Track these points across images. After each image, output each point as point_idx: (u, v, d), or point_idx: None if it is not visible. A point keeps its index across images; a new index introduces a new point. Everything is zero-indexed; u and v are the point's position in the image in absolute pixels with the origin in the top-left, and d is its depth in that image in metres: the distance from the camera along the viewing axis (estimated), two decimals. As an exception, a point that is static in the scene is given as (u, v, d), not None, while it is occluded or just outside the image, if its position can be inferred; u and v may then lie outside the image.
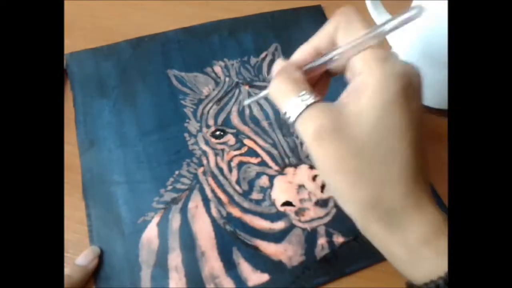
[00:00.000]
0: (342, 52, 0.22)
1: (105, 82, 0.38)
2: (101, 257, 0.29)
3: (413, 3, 0.35)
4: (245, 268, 0.29)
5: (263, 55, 0.41)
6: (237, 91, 0.38)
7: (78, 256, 0.29)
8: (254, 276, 0.29)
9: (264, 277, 0.29)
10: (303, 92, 0.21)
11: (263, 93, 0.26)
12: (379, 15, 0.41)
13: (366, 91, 0.20)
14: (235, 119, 0.36)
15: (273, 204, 0.32)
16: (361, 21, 0.22)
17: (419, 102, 0.21)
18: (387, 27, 0.21)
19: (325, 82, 0.26)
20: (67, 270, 0.28)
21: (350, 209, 0.21)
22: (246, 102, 0.32)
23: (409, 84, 0.20)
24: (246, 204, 0.32)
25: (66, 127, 0.35)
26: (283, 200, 0.32)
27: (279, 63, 0.24)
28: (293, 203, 0.32)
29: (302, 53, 0.24)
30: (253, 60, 0.40)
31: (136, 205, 0.32)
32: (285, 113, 0.22)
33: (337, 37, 0.22)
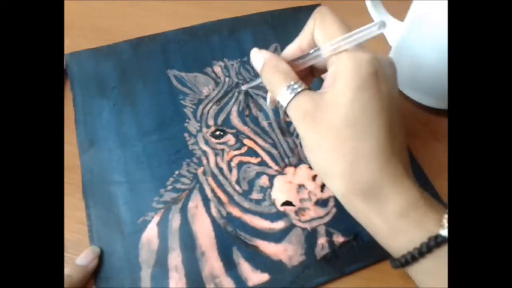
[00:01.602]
0: (320, 53, 0.25)
1: (105, 82, 0.38)
2: (101, 257, 0.29)
3: (414, 4, 0.35)
4: (245, 268, 0.30)
5: (263, 55, 0.41)
6: (237, 91, 0.38)
7: (78, 256, 0.28)
8: (254, 276, 0.29)
9: (264, 277, 0.29)
10: (292, 82, 0.24)
11: (259, 80, 0.29)
12: (379, 15, 0.41)
13: (339, 78, 0.23)
14: (235, 119, 0.36)
15: (273, 204, 0.32)
16: (333, 17, 0.25)
17: (391, 88, 0.23)
18: (360, 36, 0.23)
19: (309, 80, 0.29)
20: (67, 270, 0.28)
21: (333, 185, 0.23)
22: (244, 87, 0.34)
23: (377, 70, 0.23)
24: (246, 204, 0.32)
25: (66, 127, 0.35)
26: (283, 200, 0.32)
27: (257, 53, 0.27)
28: (293, 202, 0.32)
29: (288, 52, 0.27)
30: (253, 60, 0.40)
31: (136, 205, 0.32)
32: (278, 101, 0.25)
33: (314, 34, 0.25)
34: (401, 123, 0.24)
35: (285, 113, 0.25)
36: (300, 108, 0.24)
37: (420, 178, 0.33)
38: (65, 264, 0.29)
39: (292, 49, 0.27)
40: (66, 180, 0.32)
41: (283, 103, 0.24)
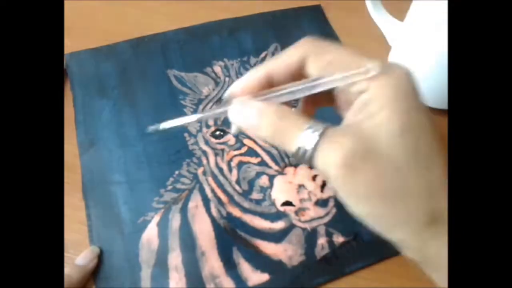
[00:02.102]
0: (326, 83, 0.20)
1: (105, 82, 0.38)
2: (101, 257, 0.29)
3: (414, 4, 0.35)
4: (245, 268, 0.30)
5: (263, 55, 0.41)
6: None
7: (78, 256, 0.29)
8: (254, 276, 0.29)
9: (264, 277, 0.29)
10: (309, 124, 0.19)
11: (221, 110, 0.22)
12: (379, 15, 0.41)
13: (384, 104, 0.18)
14: (235, 119, 0.36)
15: (273, 204, 0.32)
16: (331, 45, 0.20)
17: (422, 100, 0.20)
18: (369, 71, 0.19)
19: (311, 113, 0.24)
20: (66, 270, 0.28)
21: (402, 233, 0.19)
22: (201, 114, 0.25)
23: (416, 85, 0.19)
24: (246, 204, 0.32)
25: (66, 127, 0.35)
26: (283, 200, 0.32)
27: (240, 107, 0.21)
28: (293, 203, 0.32)
29: (252, 79, 0.22)
30: (253, 60, 0.40)
31: (136, 205, 0.32)
32: (298, 150, 0.19)
33: (307, 65, 0.21)
34: None
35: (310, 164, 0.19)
36: (337, 151, 0.18)
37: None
38: (65, 264, 0.29)
39: (257, 77, 0.22)
40: (66, 180, 0.32)
41: (308, 151, 0.19)
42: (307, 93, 0.20)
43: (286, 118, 0.20)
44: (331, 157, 0.18)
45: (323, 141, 0.18)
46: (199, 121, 0.24)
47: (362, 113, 0.19)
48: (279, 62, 0.21)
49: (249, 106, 0.21)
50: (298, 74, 0.21)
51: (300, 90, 0.20)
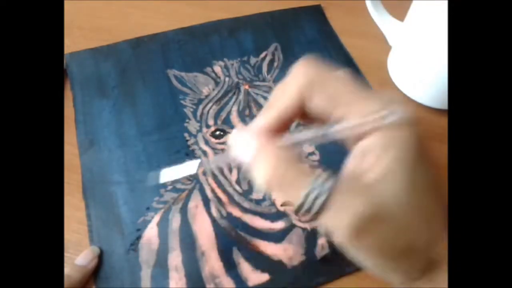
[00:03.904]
0: (339, 132, 0.18)
1: (105, 82, 0.38)
2: (101, 257, 0.29)
3: (414, 4, 0.35)
4: (245, 268, 0.30)
5: (263, 54, 0.41)
6: (237, 91, 0.38)
7: (78, 256, 0.29)
8: (254, 276, 0.29)
9: (264, 277, 0.29)
10: (316, 177, 0.17)
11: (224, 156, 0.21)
12: (379, 15, 0.41)
13: (389, 159, 0.17)
14: (235, 119, 0.36)
15: (273, 204, 0.32)
16: (330, 73, 0.19)
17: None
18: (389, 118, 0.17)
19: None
20: (66, 270, 0.28)
21: (399, 279, 0.19)
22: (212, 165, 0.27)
23: (418, 130, 0.18)
24: (246, 204, 0.32)
25: (66, 127, 0.35)
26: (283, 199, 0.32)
27: (240, 135, 0.19)
28: (293, 203, 0.32)
29: (269, 121, 0.19)
30: (253, 60, 0.40)
31: (136, 205, 0.32)
32: (302, 206, 0.17)
33: (308, 99, 0.19)
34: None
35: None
36: (346, 214, 0.17)
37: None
38: (65, 264, 0.29)
39: (272, 119, 0.19)
40: (66, 180, 0.32)
41: (313, 210, 0.17)
42: (318, 142, 0.19)
43: (288, 165, 0.18)
44: (343, 220, 0.17)
45: (333, 200, 0.17)
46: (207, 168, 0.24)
47: (364, 163, 0.17)
48: (286, 102, 0.19)
49: (250, 141, 0.19)
50: (303, 107, 0.19)
51: (311, 139, 0.19)
